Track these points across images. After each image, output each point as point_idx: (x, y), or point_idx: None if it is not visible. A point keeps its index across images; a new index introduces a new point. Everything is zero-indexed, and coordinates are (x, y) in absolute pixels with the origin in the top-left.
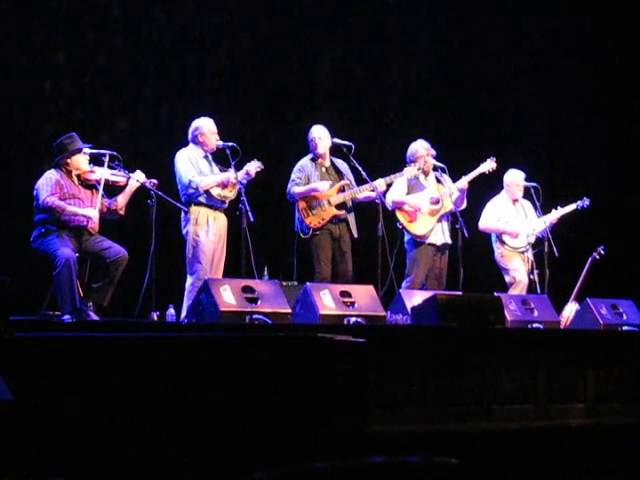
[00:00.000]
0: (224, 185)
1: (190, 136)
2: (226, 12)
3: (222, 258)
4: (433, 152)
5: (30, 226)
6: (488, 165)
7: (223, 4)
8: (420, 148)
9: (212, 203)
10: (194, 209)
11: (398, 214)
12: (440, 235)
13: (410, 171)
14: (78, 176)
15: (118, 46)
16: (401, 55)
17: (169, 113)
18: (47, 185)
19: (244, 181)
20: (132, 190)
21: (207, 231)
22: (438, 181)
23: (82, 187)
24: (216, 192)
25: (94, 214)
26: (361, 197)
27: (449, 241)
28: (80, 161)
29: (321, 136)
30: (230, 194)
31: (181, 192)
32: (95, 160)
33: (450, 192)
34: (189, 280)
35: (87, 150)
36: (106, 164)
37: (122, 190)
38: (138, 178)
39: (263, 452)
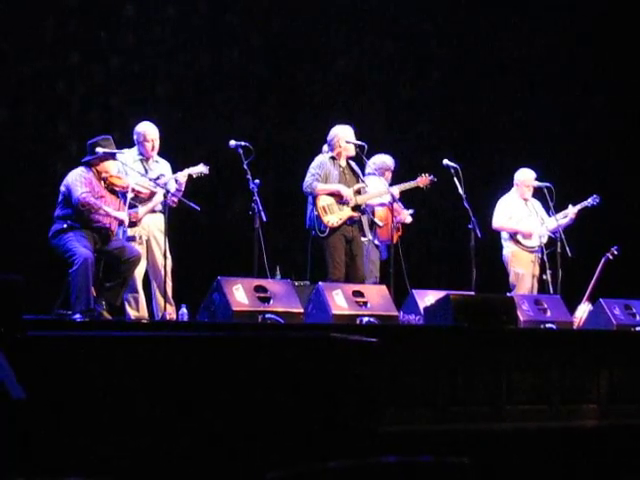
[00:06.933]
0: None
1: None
2: (239, 12)
3: (154, 253)
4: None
5: (44, 224)
6: (425, 180)
7: (236, 4)
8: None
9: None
10: None
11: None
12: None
13: (424, 180)
14: (104, 179)
15: (131, 46)
16: (414, 54)
17: (182, 113)
18: (80, 182)
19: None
20: (154, 205)
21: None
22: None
23: (108, 191)
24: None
25: (126, 218)
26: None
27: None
28: (111, 165)
29: (346, 137)
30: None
31: None
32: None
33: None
34: None
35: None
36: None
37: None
38: (169, 188)
39: (275, 452)
